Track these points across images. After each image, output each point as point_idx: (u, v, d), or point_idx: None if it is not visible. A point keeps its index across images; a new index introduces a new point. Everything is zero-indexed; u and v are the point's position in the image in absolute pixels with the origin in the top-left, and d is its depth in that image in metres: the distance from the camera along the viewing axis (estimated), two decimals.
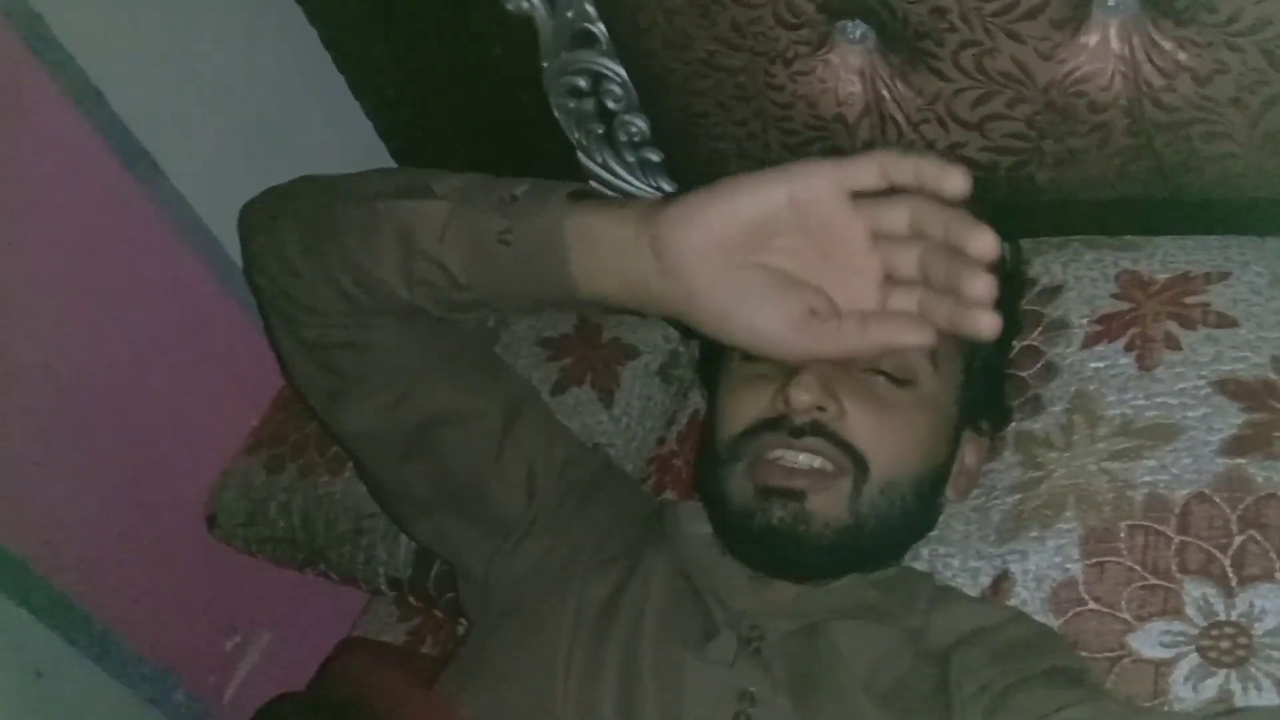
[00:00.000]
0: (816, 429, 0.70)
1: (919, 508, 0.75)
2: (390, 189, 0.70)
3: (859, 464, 0.70)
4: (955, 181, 0.52)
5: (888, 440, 0.71)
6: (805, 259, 0.58)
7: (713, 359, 0.83)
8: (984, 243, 0.52)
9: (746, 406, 0.73)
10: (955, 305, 0.54)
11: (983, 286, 0.52)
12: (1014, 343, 0.85)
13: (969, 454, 0.79)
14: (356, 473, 0.94)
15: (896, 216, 0.56)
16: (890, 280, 0.58)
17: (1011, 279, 0.85)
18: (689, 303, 0.59)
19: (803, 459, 0.70)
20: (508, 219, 0.64)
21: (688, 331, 1.07)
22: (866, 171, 0.55)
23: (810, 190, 0.56)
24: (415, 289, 0.68)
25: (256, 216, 0.77)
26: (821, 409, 0.70)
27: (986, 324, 0.53)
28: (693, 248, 0.58)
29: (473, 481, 0.80)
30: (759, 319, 0.58)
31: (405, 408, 0.77)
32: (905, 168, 0.54)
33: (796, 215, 0.57)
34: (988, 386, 0.80)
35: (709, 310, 0.59)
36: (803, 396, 0.69)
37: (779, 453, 0.70)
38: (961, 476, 0.79)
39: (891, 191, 0.56)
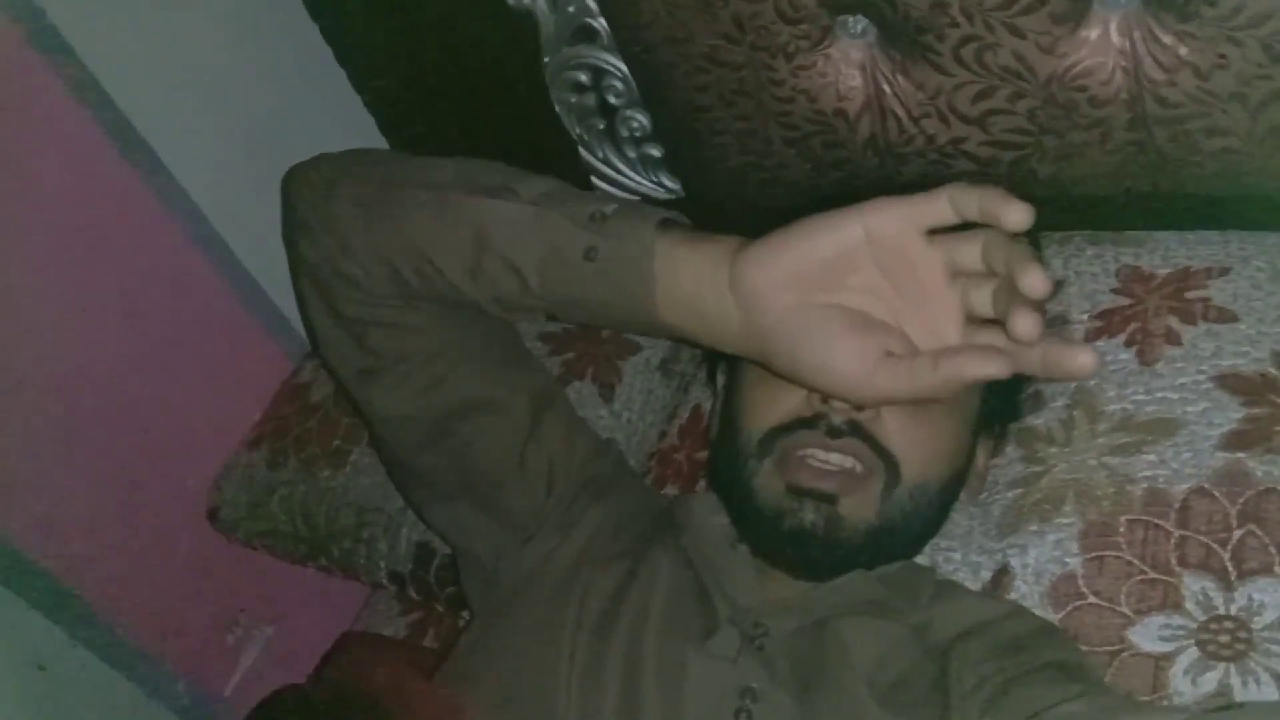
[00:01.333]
0: (854, 429, 0.70)
1: (940, 511, 0.75)
2: (466, 183, 0.69)
3: (891, 466, 0.70)
4: (1017, 215, 0.51)
5: (920, 444, 0.71)
6: (883, 297, 0.57)
7: (725, 354, 0.83)
8: (1033, 280, 0.50)
9: (779, 402, 0.72)
10: (1046, 346, 0.52)
11: (1027, 325, 0.51)
12: None
13: (980, 456, 0.79)
14: (377, 453, 0.93)
15: (970, 251, 0.55)
16: (973, 319, 0.57)
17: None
18: (764, 340, 0.59)
19: (835, 459, 0.70)
20: (596, 235, 0.63)
21: None
22: (938, 207, 0.54)
23: (886, 226, 0.55)
24: (480, 287, 0.68)
25: (309, 183, 0.75)
26: (859, 409, 0.69)
27: (1081, 362, 0.51)
28: (770, 284, 0.57)
29: (494, 472, 0.80)
30: (833, 358, 0.57)
31: (437, 393, 0.77)
32: (971, 201, 0.53)
33: (873, 252, 0.56)
34: (1009, 391, 0.80)
35: (782, 348, 0.59)
36: None
37: (811, 451, 0.70)
38: (974, 478, 0.79)
39: (971, 226, 0.55)
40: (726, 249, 0.60)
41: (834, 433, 0.70)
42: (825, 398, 0.69)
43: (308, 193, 0.75)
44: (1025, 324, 0.51)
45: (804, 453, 0.70)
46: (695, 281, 0.60)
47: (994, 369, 0.54)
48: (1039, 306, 0.52)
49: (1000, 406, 0.79)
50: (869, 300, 0.57)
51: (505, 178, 0.69)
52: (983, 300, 0.55)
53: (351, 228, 0.71)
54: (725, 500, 0.77)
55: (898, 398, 0.58)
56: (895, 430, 0.70)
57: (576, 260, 0.64)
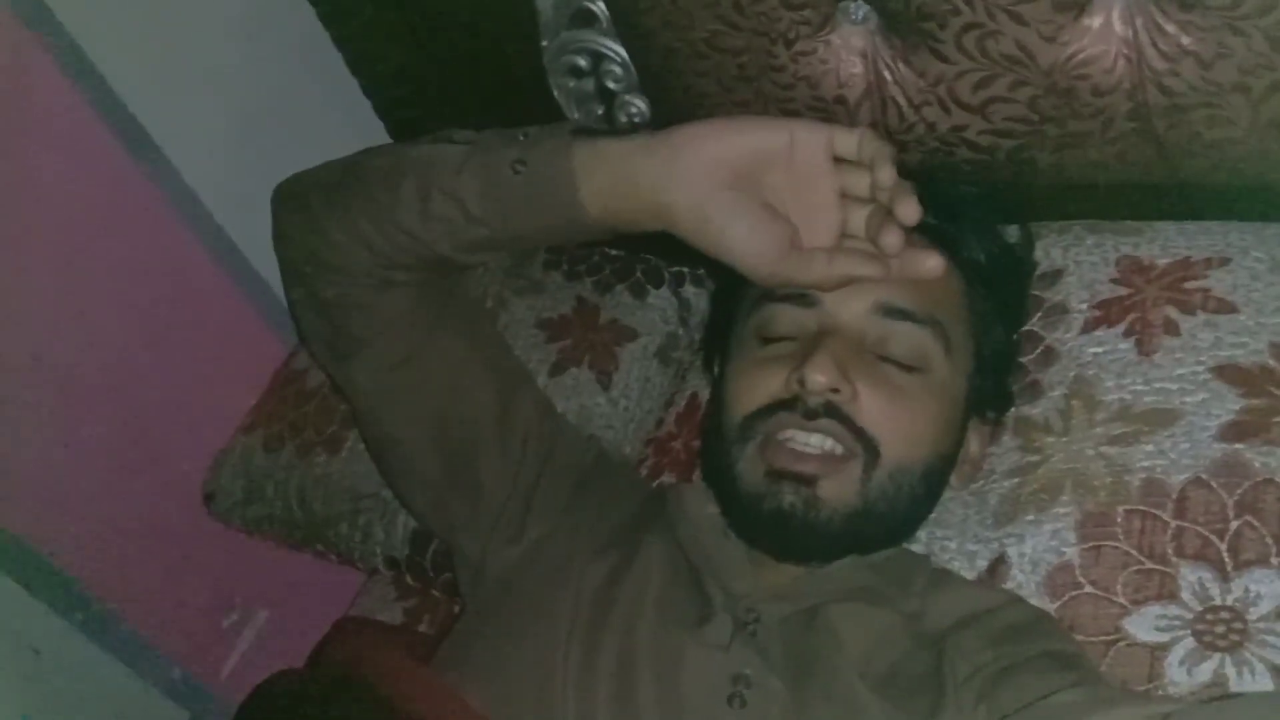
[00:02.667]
0: (830, 411, 0.70)
1: (926, 494, 0.75)
2: (411, 141, 0.76)
3: (870, 448, 0.71)
4: (884, 175, 0.66)
5: (899, 425, 0.71)
6: (786, 199, 0.68)
7: (719, 337, 0.83)
8: (908, 209, 0.65)
9: (760, 387, 0.73)
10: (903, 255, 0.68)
11: (894, 238, 0.66)
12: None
13: (974, 442, 0.79)
14: (364, 442, 0.94)
15: (861, 180, 0.68)
16: (843, 235, 0.70)
17: (1022, 265, 0.85)
18: (691, 211, 0.67)
19: (814, 440, 0.70)
20: (520, 149, 0.70)
21: (683, 317, 1.07)
22: (851, 140, 0.67)
23: (808, 139, 0.67)
24: (434, 228, 0.72)
25: (286, 193, 0.81)
26: (836, 391, 0.70)
27: (930, 265, 0.68)
28: (704, 161, 0.66)
29: (470, 446, 0.81)
30: (750, 238, 0.67)
31: (413, 365, 0.79)
32: (870, 149, 0.66)
33: (791, 159, 0.67)
34: (997, 375, 0.80)
35: (706, 222, 0.67)
36: (818, 378, 0.69)
37: (790, 434, 0.71)
38: (965, 464, 0.79)
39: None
40: (650, 136, 0.68)
41: (810, 414, 0.70)
42: (803, 380, 0.70)
43: (286, 200, 0.80)
44: (892, 237, 0.66)
45: (784, 436, 0.71)
46: (621, 160, 0.68)
47: (873, 271, 0.68)
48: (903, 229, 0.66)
49: (989, 388, 0.79)
50: (775, 198, 0.68)
51: (449, 132, 0.75)
52: (857, 221, 0.68)
53: (323, 213, 0.76)
54: (712, 487, 0.78)
55: (796, 281, 0.70)
56: (873, 411, 0.71)
57: (507, 176, 0.69)
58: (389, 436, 0.84)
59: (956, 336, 0.75)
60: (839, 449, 0.71)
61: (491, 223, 0.71)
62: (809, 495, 0.70)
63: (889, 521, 0.73)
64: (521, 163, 0.69)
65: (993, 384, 0.79)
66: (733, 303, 0.82)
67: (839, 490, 0.70)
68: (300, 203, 0.78)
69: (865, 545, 0.74)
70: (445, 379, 0.80)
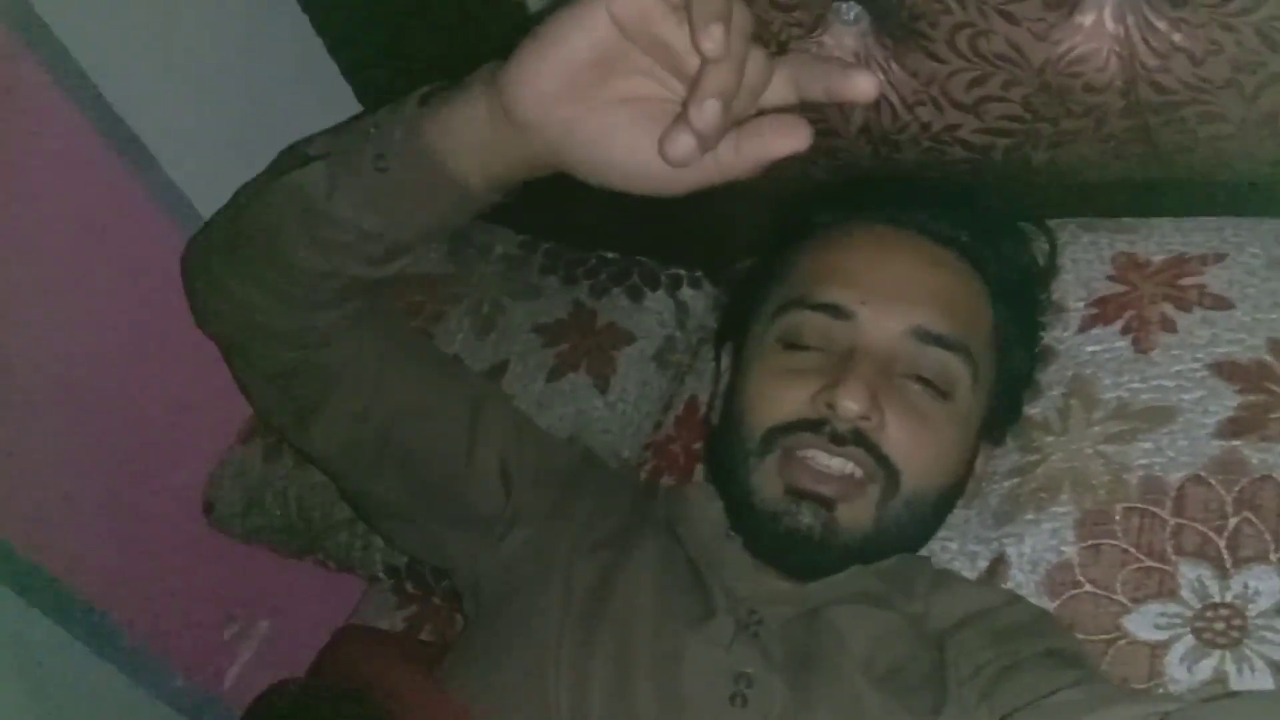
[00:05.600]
0: (858, 438, 0.69)
1: (935, 518, 0.75)
2: (274, 171, 0.71)
3: (891, 475, 0.70)
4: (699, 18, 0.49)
5: (922, 454, 0.71)
6: (656, 77, 0.55)
7: (737, 329, 0.82)
8: (711, 39, 0.49)
9: (785, 401, 0.72)
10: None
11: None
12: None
13: (979, 462, 0.79)
14: (340, 495, 0.95)
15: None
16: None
17: (1046, 281, 0.83)
18: (558, 154, 0.57)
19: (836, 464, 0.70)
20: (375, 144, 0.63)
21: (680, 320, 1.07)
22: None
23: (629, 8, 0.52)
24: (332, 256, 0.67)
25: (190, 268, 0.80)
26: (866, 418, 0.69)
27: (860, 86, 0.51)
28: (538, 100, 0.55)
29: (447, 480, 0.80)
30: (634, 155, 0.55)
31: (370, 416, 0.77)
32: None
33: (629, 34, 0.53)
34: (1012, 398, 0.80)
35: (582, 159, 0.57)
36: (851, 406, 0.68)
37: (813, 454, 0.70)
38: (972, 483, 0.79)
39: None
40: (485, 84, 0.58)
41: (838, 440, 0.69)
42: (834, 405, 0.68)
43: (194, 276, 0.78)
44: (707, 114, 0.49)
45: (805, 454, 0.70)
46: (475, 132, 0.59)
47: (798, 141, 0.52)
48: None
49: (1003, 411, 0.79)
50: (645, 83, 0.55)
51: (302, 146, 0.70)
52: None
53: (225, 276, 0.73)
54: (722, 492, 0.77)
55: (708, 184, 0.55)
56: (899, 439, 0.70)
57: (374, 177, 0.63)
58: (363, 490, 0.83)
59: (984, 364, 0.74)
60: (859, 472, 0.70)
61: (388, 230, 0.66)
62: (827, 518, 0.69)
63: (899, 543, 0.73)
64: (381, 157, 0.63)
65: (1006, 408, 0.79)
66: (758, 296, 0.80)
67: (856, 514, 0.70)
68: (205, 274, 0.76)
69: (871, 561, 0.73)
70: (405, 422, 0.78)
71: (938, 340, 0.72)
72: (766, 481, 0.71)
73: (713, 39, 0.49)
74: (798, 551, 0.70)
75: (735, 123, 0.52)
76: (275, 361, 0.76)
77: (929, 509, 0.73)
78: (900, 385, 0.71)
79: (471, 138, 0.60)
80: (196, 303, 0.79)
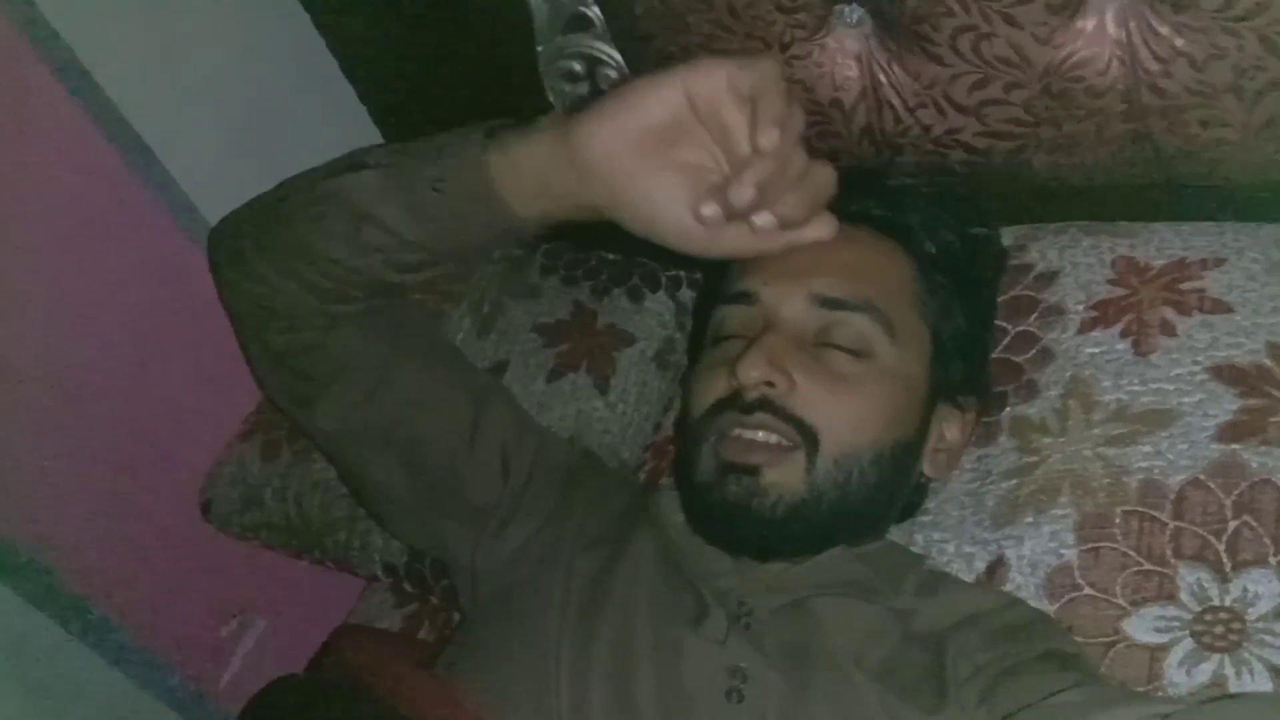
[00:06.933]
0: (765, 404, 0.70)
1: (881, 480, 0.73)
2: (327, 171, 0.74)
3: (809, 437, 0.71)
4: (767, 140, 0.61)
5: (840, 412, 0.71)
6: (715, 157, 0.64)
7: (694, 345, 0.85)
8: (768, 138, 0.61)
9: (709, 387, 0.74)
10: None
11: (745, 193, 0.61)
12: (996, 322, 0.85)
13: (948, 430, 0.78)
14: (340, 480, 0.95)
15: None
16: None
17: (992, 257, 0.85)
18: (613, 203, 0.65)
19: (760, 435, 0.71)
20: (436, 167, 0.68)
21: (680, 322, 1.07)
22: (746, 79, 0.62)
23: (705, 87, 0.62)
24: (367, 257, 0.71)
25: (218, 242, 0.81)
26: (770, 385, 0.70)
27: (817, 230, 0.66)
28: (605, 152, 0.64)
29: (447, 468, 0.81)
30: (679, 216, 0.64)
31: (376, 401, 0.79)
32: (761, 82, 0.62)
33: (699, 114, 0.63)
34: (964, 360, 0.79)
35: (631, 208, 0.65)
36: (750, 373, 0.70)
37: (735, 430, 0.71)
38: (940, 453, 0.78)
39: None
40: (556, 128, 0.65)
41: (746, 408, 0.71)
42: (734, 373, 0.71)
43: (221, 250, 0.80)
44: (743, 193, 0.61)
45: (733, 432, 0.72)
46: (535, 168, 0.66)
47: (826, 233, 0.66)
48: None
49: (954, 373, 0.78)
50: (700, 155, 0.64)
51: (361, 154, 0.74)
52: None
53: (257, 259, 0.75)
54: (679, 487, 0.79)
55: (742, 253, 0.68)
56: (811, 401, 0.71)
57: (429, 195, 0.69)
58: (364, 474, 0.84)
59: (903, 322, 0.74)
60: (782, 441, 0.71)
61: (428, 244, 0.71)
62: (753, 484, 0.70)
63: (843, 508, 0.72)
64: (441, 180, 0.68)
65: (960, 370, 0.79)
66: (704, 311, 0.83)
67: (783, 479, 0.70)
68: (234, 252, 0.78)
69: (833, 534, 0.73)
70: (410, 408, 0.80)
71: (837, 303, 0.73)
72: (704, 464, 0.73)
73: (769, 139, 0.61)
74: (735, 523, 0.71)
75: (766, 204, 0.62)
76: (286, 340, 0.77)
77: (866, 469, 0.72)
78: (815, 353, 0.72)
79: (528, 172, 0.66)
80: (220, 278, 0.80)
